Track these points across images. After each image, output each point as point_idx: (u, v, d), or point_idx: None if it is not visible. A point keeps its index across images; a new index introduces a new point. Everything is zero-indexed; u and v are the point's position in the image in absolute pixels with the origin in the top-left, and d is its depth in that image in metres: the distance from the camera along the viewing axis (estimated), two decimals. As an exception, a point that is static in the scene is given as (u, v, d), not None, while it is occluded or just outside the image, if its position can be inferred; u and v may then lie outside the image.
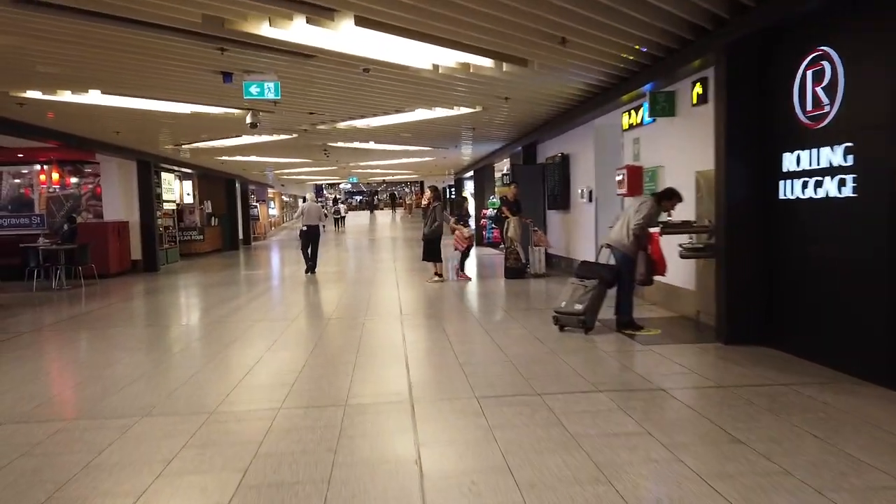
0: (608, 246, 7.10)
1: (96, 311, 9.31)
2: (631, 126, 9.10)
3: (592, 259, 10.66)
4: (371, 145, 15.65)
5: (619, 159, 9.98)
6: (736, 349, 5.88)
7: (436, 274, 11.91)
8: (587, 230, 11.21)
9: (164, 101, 9.13)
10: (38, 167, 15.55)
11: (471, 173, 27.31)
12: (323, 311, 9.01)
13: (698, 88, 7.10)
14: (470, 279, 11.80)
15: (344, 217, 42.62)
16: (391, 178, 35.98)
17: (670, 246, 6.98)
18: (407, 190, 75.35)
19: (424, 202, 12.03)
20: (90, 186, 16.15)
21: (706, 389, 4.73)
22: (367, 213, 62.04)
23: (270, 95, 7.54)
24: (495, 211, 12.61)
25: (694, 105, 7.24)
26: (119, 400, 4.81)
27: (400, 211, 61.24)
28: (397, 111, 10.54)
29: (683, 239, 6.96)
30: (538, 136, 13.73)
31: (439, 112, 10.69)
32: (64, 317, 8.88)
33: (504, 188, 26.10)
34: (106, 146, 13.65)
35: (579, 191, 11.44)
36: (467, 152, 19.28)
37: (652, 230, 6.83)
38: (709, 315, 6.97)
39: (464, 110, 10.52)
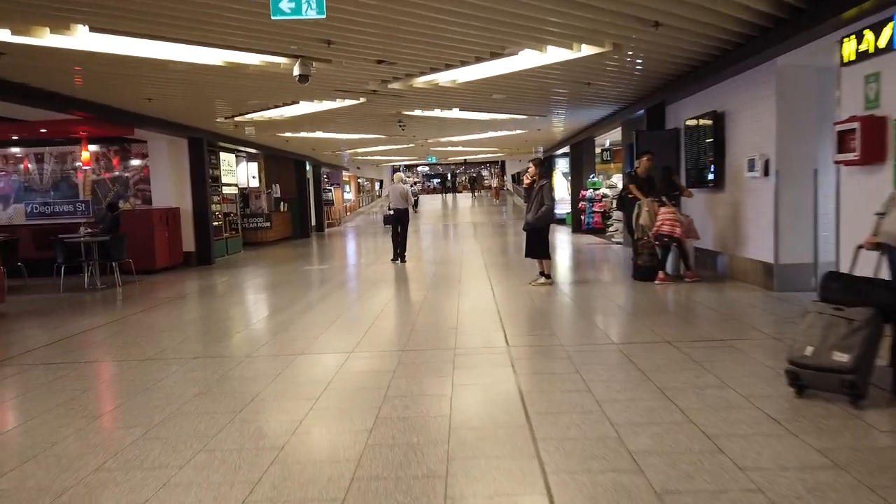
0: (879, 246, 4.07)
1: (96, 331, 7.06)
2: (861, 56, 5.89)
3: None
4: (454, 113, 12.91)
5: (825, 111, 6.81)
6: None
7: (542, 275, 9.08)
8: (761, 217, 8.04)
9: (180, 45, 6.70)
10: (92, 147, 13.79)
11: (563, 150, 24.14)
12: (393, 336, 6.36)
13: None
14: (699, 278, 8.70)
15: (417, 199, 40.61)
16: (472, 157, 33.21)
17: None
18: (485, 172, 72.37)
19: (527, 180, 9.20)
20: (138, 168, 14.27)
21: None
22: (440, 196, 59.59)
23: (312, 13, 4.91)
24: (622, 191, 9.52)
25: None
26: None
27: (479, 193, 58.45)
28: (494, 54, 7.72)
29: None
30: (667, 94, 10.56)
31: (552, 56, 7.79)
32: (53, 337, 6.67)
33: (606, 163, 22.95)
34: (144, 119, 11.55)
35: (747, 161, 8.26)
36: (564, 122, 16.20)
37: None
38: None
39: (586, 51, 7.57)
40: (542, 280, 9.01)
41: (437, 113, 12.81)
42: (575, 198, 20.27)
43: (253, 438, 3.65)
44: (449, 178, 72.20)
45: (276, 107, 11.35)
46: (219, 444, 3.56)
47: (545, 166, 9.21)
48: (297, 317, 7.35)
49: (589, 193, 19.13)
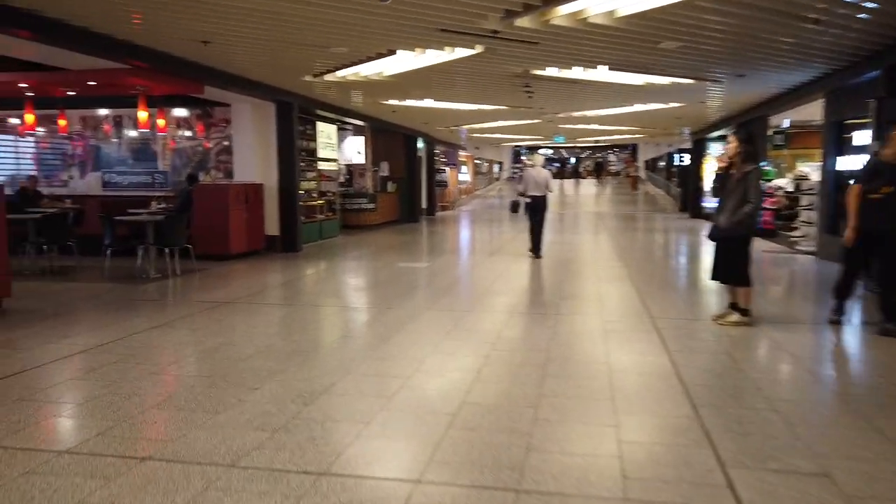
0: None
1: (65, 363, 4.86)
2: None
3: None
4: (599, 74, 9.82)
5: None
6: None
7: (734, 308, 5.95)
8: None
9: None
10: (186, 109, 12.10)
11: (719, 133, 20.14)
12: (500, 440, 3.54)
13: None
14: None
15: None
16: (604, 138, 29.48)
17: None
18: (612, 157, 67.35)
19: (721, 163, 6.03)
20: (220, 136, 12.43)
21: None
22: (559, 181, 55.36)
23: None
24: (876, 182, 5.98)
25: None
26: None
27: (604, 180, 53.93)
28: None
29: None
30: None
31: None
32: None
33: (778, 150, 18.71)
34: (213, 73, 9.44)
35: None
36: (738, 93, 12.61)
37: None
38: None
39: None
40: (736, 317, 5.88)
41: (576, 73, 9.79)
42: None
43: None
44: (572, 162, 67.87)
45: (370, 59, 8.83)
46: None
47: (753, 144, 5.96)
48: (356, 362, 4.78)
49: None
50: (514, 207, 11.63)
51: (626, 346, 5.22)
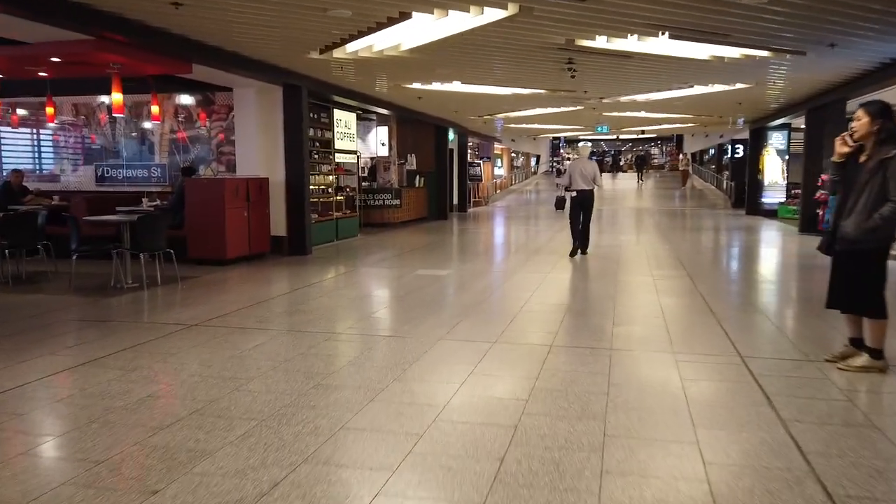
0: None
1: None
2: None
3: None
4: (657, 45, 8.16)
5: None
6: None
7: (858, 346, 4.30)
8: None
9: None
10: (196, 96, 10.87)
11: (780, 121, 18.13)
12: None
13: None
14: None
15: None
16: (651, 127, 27.42)
17: None
18: (655, 150, 64.62)
19: (842, 147, 4.35)
20: (221, 125, 11.14)
21: None
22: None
23: None
24: None
25: None
26: None
27: (647, 174, 51.42)
28: None
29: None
30: None
31: None
32: None
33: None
34: (201, 49, 8.08)
35: None
36: (818, 70, 10.79)
37: None
38: None
39: None
40: (865, 360, 4.22)
41: (629, 44, 8.14)
42: (809, 184, 14.51)
43: None
44: (612, 155, 65.28)
45: (381, 25, 7.34)
46: None
47: (893, 120, 4.28)
48: (322, 437, 3.32)
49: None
50: (560, 204, 10.54)
51: (717, 410, 3.64)
